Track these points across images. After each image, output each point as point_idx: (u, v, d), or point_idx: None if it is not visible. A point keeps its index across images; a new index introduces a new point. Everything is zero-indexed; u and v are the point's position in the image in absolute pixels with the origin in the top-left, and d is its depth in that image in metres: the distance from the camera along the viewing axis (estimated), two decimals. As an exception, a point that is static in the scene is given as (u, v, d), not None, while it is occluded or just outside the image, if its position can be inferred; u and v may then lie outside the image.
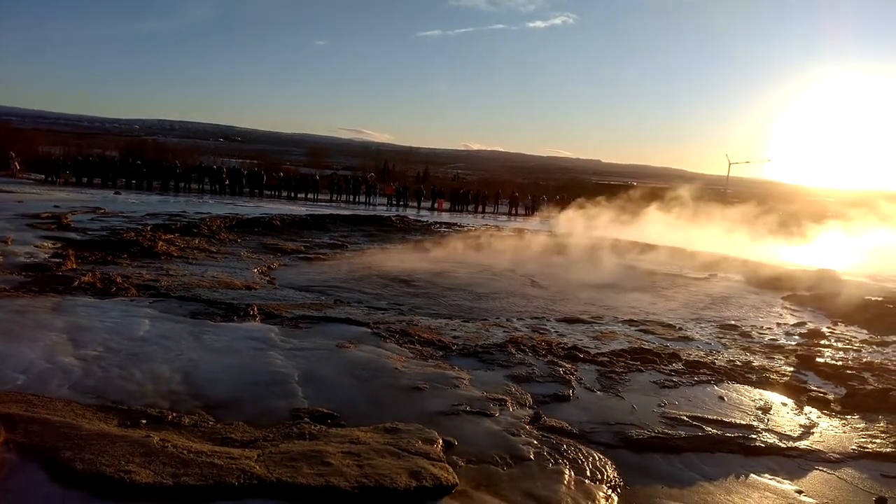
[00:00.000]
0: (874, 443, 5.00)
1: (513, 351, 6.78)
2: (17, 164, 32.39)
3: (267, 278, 10.68)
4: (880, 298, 11.32)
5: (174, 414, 4.44)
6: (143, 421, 4.28)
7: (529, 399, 5.39)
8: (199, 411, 4.55)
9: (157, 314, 7.20)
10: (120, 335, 6.14)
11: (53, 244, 11.10)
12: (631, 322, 9.13)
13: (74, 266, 9.58)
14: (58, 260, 9.65)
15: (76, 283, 8.31)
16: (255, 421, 4.44)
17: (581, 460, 4.26)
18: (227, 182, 33.98)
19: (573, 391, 5.69)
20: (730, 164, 68.42)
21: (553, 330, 8.28)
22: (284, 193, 35.32)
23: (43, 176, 31.54)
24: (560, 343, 7.38)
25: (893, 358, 7.95)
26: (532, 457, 4.24)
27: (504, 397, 5.33)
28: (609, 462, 4.29)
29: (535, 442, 4.48)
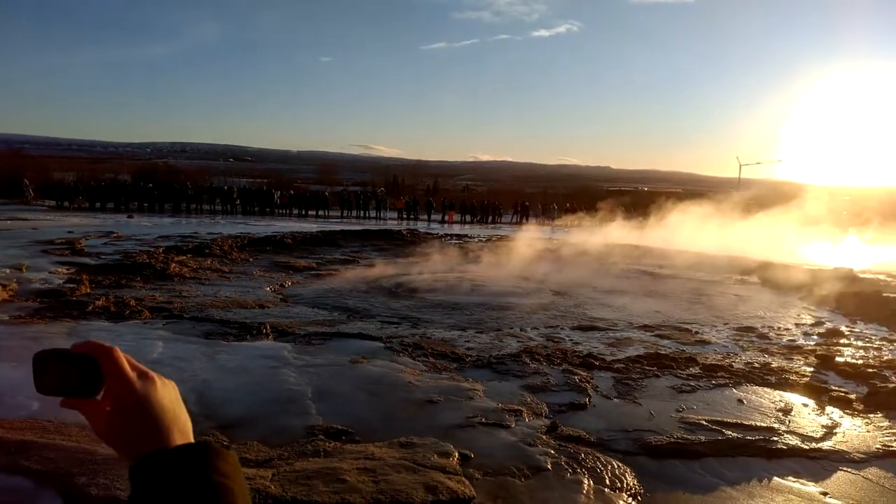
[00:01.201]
0: (899, 442, 4.89)
1: (527, 360, 6.73)
2: (30, 190, 32.85)
3: (279, 296, 10.70)
4: (899, 295, 11.15)
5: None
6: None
7: (545, 409, 5.33)
8: (213, 431, 4.54)
9: (170, 336, 7.22)
10: (134, 358, 6.14)
11: (67, 269, 11.19)
12: (646, 327, 9.04)
13: (88, 291, 9.65)
14: (72, 285, 9.72)
15: (90, 307, 8.37)
16: (269, 440, 4.42)
17: (600, 469, 4.20)
18: (239, 202, 34.24)
19: (589, 399, 5.62)
20: (741, 165, 68.15)
21: (568, 338, 8.22)
22: (295, 211, 35.50)
23: (55, 202, 31.90)
24: (575, 351, 7.32)
25: (915, 355, 7.81)
26: (550, 467, 4.19)
27: (519, 408, 5.28)
28: (628, 470, 4.22)
29: (553, 452, 4.42)
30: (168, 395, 0.82)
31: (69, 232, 17.21)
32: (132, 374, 0.80)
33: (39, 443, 4.05)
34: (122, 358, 0.80)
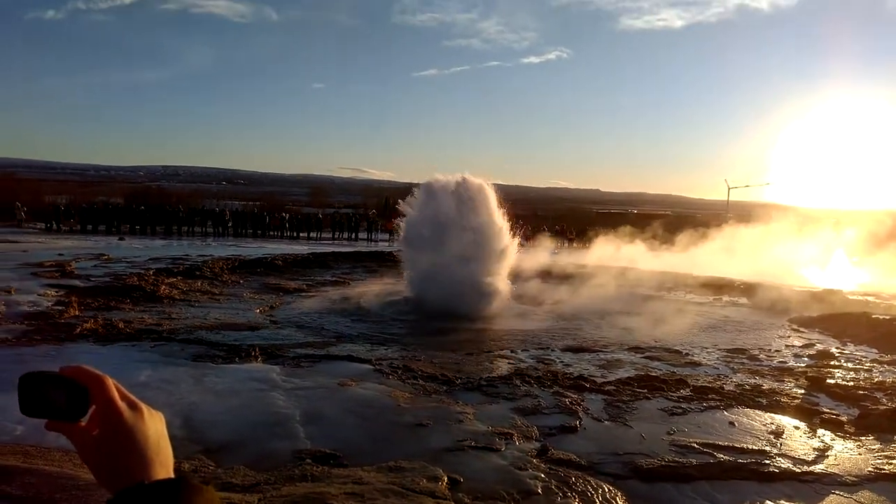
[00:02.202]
0: (891, 464, 4.88)
1: (517, 383, 6.69)
2: (22, 213, 32.70)
3: (269, 318, 10.63)
4: (888, 317, 11.20)
5: (174, 460, 4.36)
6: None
7: (536, 432, 5.30)
8: (199, 456, 4.48)
9: (158, 358, 7.15)
10: (120, 381, 6.03)
11: (57, 292, 11.09)
12: (637, 349, 9.03)
13: (77, 313, 9.56)
14: (60, 307, 9.64)
15: (78, 329, 8.29)
16: (256, 464, 4.36)
17: (590, 493, 4.16)
18: (230, 224, 34.18)
19: (580, 422, 5.59)
20: (729, 188, 68.55)
21: (558, 360, 8.19)
22: (287, 233, 35.44)
23: (46, 224, 31.74)
24: (566, 373, 7.29)
25: (906, 376, 7.82)
26: (540, 491, 4.15)
27: (510, 431, 5.24)
28: (619, 493, 4.19)
29: (543, 475, 4.38)
30: (154, 427, 0.82)
31: (60, 254, 17.08)
32: (121, 404, 0.80)
33: (22, 468, 3.98)
34: (113, 386, 0.80)
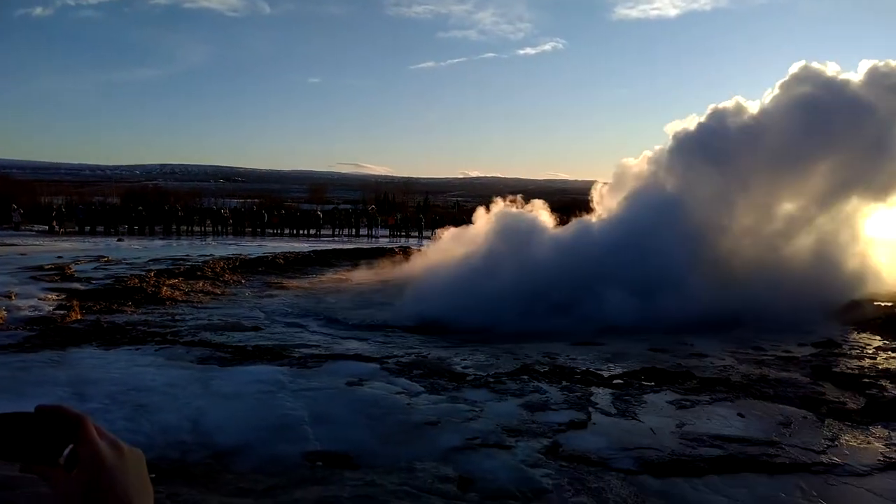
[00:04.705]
0: (901, 453, 4.87)
1: (525, 378, 6.68)
2: (19, 215, 32.61)
3: (271, 318, 10.61)
4: (891, 303, 11.19)
5: (183, 465, 4.35)
6: (152, 475, 4.18)
7: (545, 428, 5.28)
8: (208, 461, 4.46)
9: (163, 362, 7.13)
10: (126, 385, 6.07)
11: (57, 296, 11.07)
12: (641, 340, 9.02)
13: (79, 317, 9.54)
14: (62, 311, 9.62)
15: (80, 333, 8.26)
16: (266, 468, 4.35)
17: (603, 489, 4.16)
18: (230, 222, 34.13)
19: (589, 417, 5.58)
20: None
21: (564, 354, 8.18)
22: (287, 231, 35.39)
23: (46, 227, 31.69)
24: (572, 367, 7.28)
25: (911, 363, 7.81)
26: (552, 488, 4.14)
27: (519, 428, 5.23)
28: (631, 489, 4.18)
29: (554, 473, 4.37)
30: (136, 466, 0.79)
31: (59, 257, 17.02)
32: (102, 445, 0.76)
33: (26, 478, 3.96)
34: (92, 427, 0.76)
